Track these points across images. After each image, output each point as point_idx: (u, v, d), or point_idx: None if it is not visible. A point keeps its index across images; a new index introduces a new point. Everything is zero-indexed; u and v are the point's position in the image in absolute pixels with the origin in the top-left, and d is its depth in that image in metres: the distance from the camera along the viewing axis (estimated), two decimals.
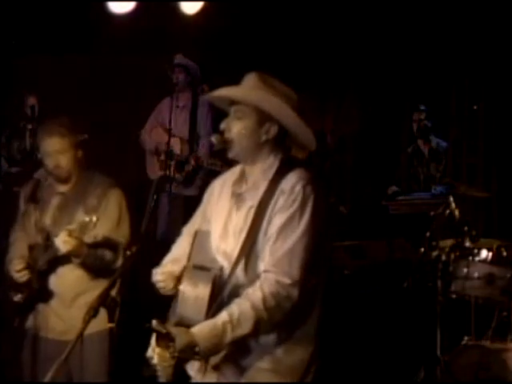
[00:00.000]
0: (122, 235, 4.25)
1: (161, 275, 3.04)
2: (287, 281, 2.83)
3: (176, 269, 3.03)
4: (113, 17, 5.99)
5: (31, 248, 4.29)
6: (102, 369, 4.17)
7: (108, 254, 4.20)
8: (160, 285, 3.04)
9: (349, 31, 6.75)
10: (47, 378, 2.82)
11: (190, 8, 5.88)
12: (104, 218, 4.19)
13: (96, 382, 4.22)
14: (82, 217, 4.12)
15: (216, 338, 2.78)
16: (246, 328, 2.81)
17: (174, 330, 2.77)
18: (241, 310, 2.80)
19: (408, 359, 5.19)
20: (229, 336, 2.79)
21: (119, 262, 4.16)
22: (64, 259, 4.16)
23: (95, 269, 4.19)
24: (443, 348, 4.95)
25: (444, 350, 4.93)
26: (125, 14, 5.95)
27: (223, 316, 2.81)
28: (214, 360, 2.91)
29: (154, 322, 2.75)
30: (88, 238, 4.11)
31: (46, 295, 4.27)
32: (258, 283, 2.85)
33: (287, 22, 6.66)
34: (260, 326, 2.83)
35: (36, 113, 6.83)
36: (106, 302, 2.84)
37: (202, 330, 2.79)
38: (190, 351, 2.76)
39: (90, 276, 4.25)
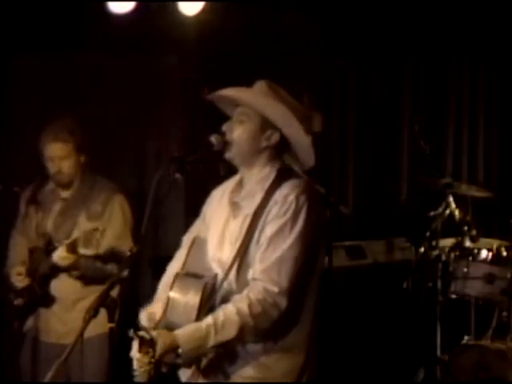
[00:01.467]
0: (126, 243, 4.20)
1: (145, 316, 2.98)
2: (275, 289, 2.82)
3: (160, 311, 2.97)
4: (113, 17, 5.99)
5: (31, 252, 4.28)
6: (101, 372, 4.17)
7: (109, 267, 4.17)
8: (142, 325, 2.97)
9: (349, 30, 6.75)
10: (47, 379, 2.82)
11: (189, 9, 5.86)
12: (109, 226, 4.20)
13: (96, 382, 4.22)
14: (86, 225, 4.11)
15: (199, 341, 2.78)
16: (229, 333, 2.80)
17: (155, 333, 2.77)
18: (226, 315, 2.80)
19: (408, 359, 5.19)
20: (212, 340, 2.79)
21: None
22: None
23: (95, 280, 4.16)
24: (443, 348, 4.96)
25: (444, 350, 4.94)
26: (125, 14, 5.94)
27: (208, 319, 2.81)
28: (202, 367, 2.90)
29: (140, 329, 2.76)
30: (91, 249, 4.11)
31: (47, 299, 4.26)
32: (245, 290, 2.85)
33: (288, 22, 6.66)
34: (245, 333, 2.83)
35: (37, 113, 6.81)
36: (106, 303, 2.84)
37: (185, 332, 2.79)
38: (172, 353, 2.76)
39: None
